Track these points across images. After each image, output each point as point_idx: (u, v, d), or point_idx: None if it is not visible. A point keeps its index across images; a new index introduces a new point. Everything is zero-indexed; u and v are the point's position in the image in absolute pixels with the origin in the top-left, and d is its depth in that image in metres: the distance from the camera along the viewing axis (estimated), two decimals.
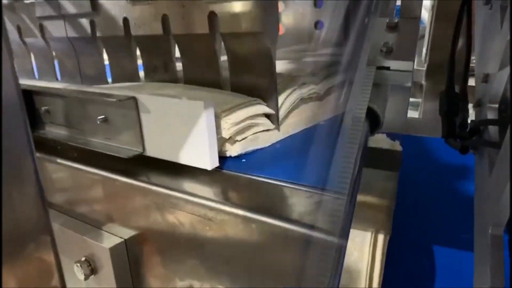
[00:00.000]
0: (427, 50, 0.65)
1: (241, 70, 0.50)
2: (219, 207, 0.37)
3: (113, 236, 0.46)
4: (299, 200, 0.36)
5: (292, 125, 0.53)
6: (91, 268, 0.47)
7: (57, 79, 0.79)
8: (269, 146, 0.49)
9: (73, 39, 0.70)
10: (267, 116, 0.50)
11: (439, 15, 0.59)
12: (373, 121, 0.41)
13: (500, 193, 0.26)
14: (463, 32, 0.46)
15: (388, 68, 0.45)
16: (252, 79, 0.49)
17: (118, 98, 0.44)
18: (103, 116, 0.47)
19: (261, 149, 0.48)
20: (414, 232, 0.75)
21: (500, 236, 0.28)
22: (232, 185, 0.41)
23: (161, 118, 0.43)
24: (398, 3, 0.52)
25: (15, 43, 0.81)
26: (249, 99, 0.47)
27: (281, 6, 1.26)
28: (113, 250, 0.45)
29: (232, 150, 0.46)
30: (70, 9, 0.67)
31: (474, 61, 0.49)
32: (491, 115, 0.40)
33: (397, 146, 0.69)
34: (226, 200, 0.38)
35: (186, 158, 0.43)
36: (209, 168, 0.42)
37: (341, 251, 0.30)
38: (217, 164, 0.42)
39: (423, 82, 0.63)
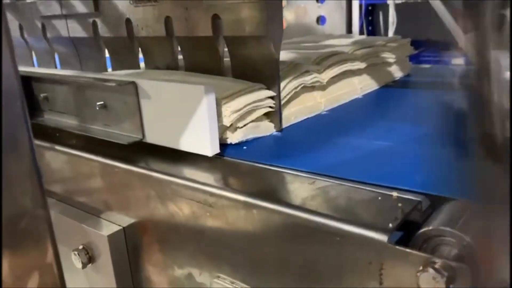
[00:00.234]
0: None
1: (244, 74, 0.49)
2: (220, 193, 0.36)
3: (112, 224, 0.45)
4: (301, 186, 0.36)
5: (294, 114, 0.52)
6: (89, 256, 0.47)
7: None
8: (270, 134, 0.49)
9: (75, 39, 0.69)
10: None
11: None
12: None
13: None
14: None
15: None
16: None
17: (118, 83, 0.43)
18: (102, 102, 0.47)
19: (263, 137, 0.48)
20: None
21: None
22: (233, 172, 0.40)
23: (161, 103, 0.42)
24: None
25: (17, 41, 0.80)
26: (250, 85, 0.46)
27: (284, 1, 1.25)
28: (111, 237, 0.44)
29: (233, 137, 0.45)
30: (73, 9, 0.66)
31: None
32: None
33: None
34: (227, 186, 0.37)
35: (187, 144, 0.42)
36: (210, 154, 0.41)
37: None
38: (218, 150, 0.41)
39: None
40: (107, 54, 0.69)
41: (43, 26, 0.74)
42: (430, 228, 0.28)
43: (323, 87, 0.57)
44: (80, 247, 0.47)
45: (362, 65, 0.64)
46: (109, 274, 0.45)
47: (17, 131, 0.23)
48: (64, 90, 0.51)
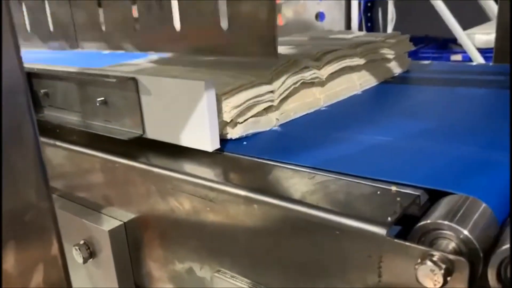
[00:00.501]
0: None
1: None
2: (221, 187, 0.36)
3: (113, 219, 0.46)
4: (301, 181, 0.36)
5: (293, 110, 0.52)
6: (90, 251, 0.47)
7: (49, 30, 0.74)
8: (270, 130, 0.49)
9: None
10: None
11: None
12: None
13: None
14: None
15: None
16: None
17: (118, 79, 0.44)
18: (102, 98, 0.47)
19: (262, 132, 0.48)
20: None
21: None
22: (233, 167, 0.41)
23: (161, 99, 0.43)
24: None
25: None
26: (250, 80, 0.47)
27: None
28: (112, 232, 0.44)
29: (233, 133, 0.45)
30: None
31: None
32: None
33: None
34: (228, 181, 0.37)
35: (187, 140, 0.43)
36: (210, 149, 0.41)
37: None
38: (218, 145, 0.42)
39: None
40: None
41: None
42: (428, 221, 0.28)
43: (322, 83, 0.57)
44: (81, 242, 0.47)
45: (361, 61, 0.64)
46: (110, 269, 0.46)
47: (22, 125, 0.23)
48: (65, 86, 0.51)
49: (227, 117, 0.44)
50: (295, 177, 0.37)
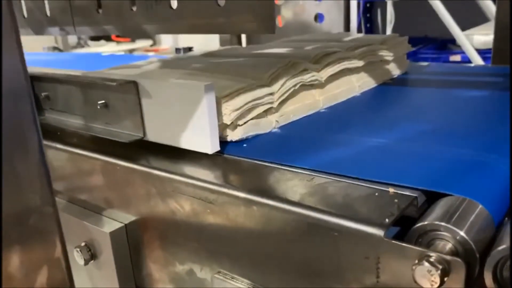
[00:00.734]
0: None
1: None
2: (220, 189, 0.37)
3: (113, 221, 0.46)
4: (300, 183, 0.36)
5: (293, 112, 0.53)
6: (91, 253, 0.47)
7: (47, 16, 0.73)
8: (270, 132, 0.49)
9: None
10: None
11: None
12: None
13: None
14: None
15: None
16: None
17: (119, 82, 0.44)
18: (103, 101, 0.47)
19: (262, 134, 0.48)
20: None
21: None
22: (233, 169, 0.41)
23: (161, 102, 0.43)
24: None
25: None
26: (250, 83, 0.47)
27: None
28: (113, 234, 0.45)
29: (233, 135, 0.46)
30: None
31: None
32: None
33: None
34: (227, 183, 0.38)
35: (187, 142, 0.43)
36: (210, 152, 0.42)
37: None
38: (218, 148, 0.42)
39: None
40: None
41: None
42: (426, 223, 0.29)
43: (321, 85, 0.58)
44: (82, 244, 0.47)
45: (360, 63, 0.64)
46: (111, 271, 0.46)
47: (26, 129, 0.23)
48: (65, 89, 0.52)
49: (227, 119, 0.44)
50: (294, 179, 0.38)
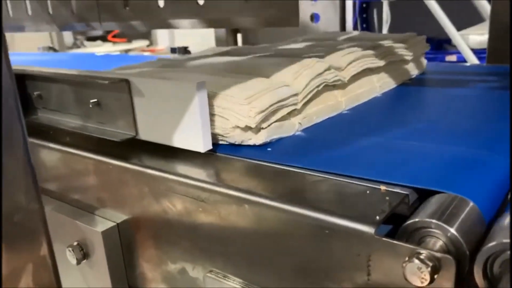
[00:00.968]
0: None
1: None
2: (212, 188, 0.37)
3: (106, 220, 0.46)
4: (292, 181, 0.36)
5: (316, 113, 0.50)
6: (84, 253, 0.47)
7: (72, 12, 0.72)
8: (293, 135, 0.47)
9: None
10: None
11: None
12: None
13: None
14: None
15: None
16: None
17: (110, 80, 0.44)
18: (95, 100, 0.47)
19: (286, 137, 0.46)
20: None
21: None
22: (225, 168, 0.41)
23: (154, 100, 0.43)
24: None
25: None
26: (272, 83, 0.45)
27: None
28: (106, 233, 0.45)
29: (257, 139, 0.43)
30: None
31: None
32: None
33: None
34: (219, 182, 0.37)
35: (179, 141, 0.43)
36: (203, 150, 0.42)
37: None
38: (210, 146, 0.42)
39: None
40: None
41: None
42: (416, 220, 0.28)
43: (343, 86, 0.55)
44: (75, 243, 0.47)
45: (381, 62, 0.62)
46: (104, 270, 0.46)
47: (12, 128, 0.23)
48: (58, 88, 0.52)
49: (251, 122, 0.42)
50: (285, 177, 0.37)
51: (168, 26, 0.59)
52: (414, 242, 0.28)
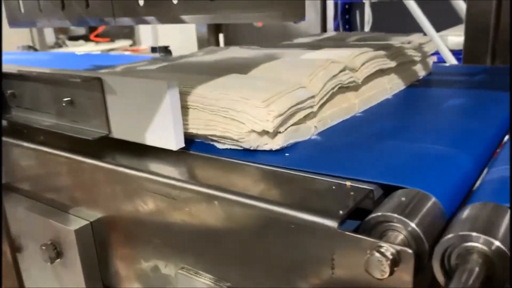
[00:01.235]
0: None
1: None
2: (182, 185, 0.37)
3: (79, 219, 0.46)
4: (262, 178, 0.37)
5: (330, 116, 0.49)
6: (57, 252, 0.47)
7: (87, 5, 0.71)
8: (309, 139, 0.45)
9: None
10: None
11: None
12: None
13: None
14: None
15: None
16: None
17: (83, 78, 0.44)
18: (68, 98, 0.47)
19: (302, 142, 0.44)
20: None
21: None
22: (197, 165, 0.41)
23: (126, 98, 0.43)
24: None
25: None
26: (288, 85, 0.43)
27: None
28: (79, 232, 0.45)
29: (274, 143, 0.41)
30: None
31: None
32: None
33: None
34: (190, 179, 0.38)
35: (152, 139, 0.43)
36: (175, 148, 0.42)
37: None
38: (182, 144, 0.42)
39: None
40: None
41: None
42: (379, 214, 0.29)
43: (356, 87, 0.54)
44: (48, 242, 0.47)
45: (392, 63, 0.61)
46: (77, 269, 0.46)
47: None
48: (31, 86, 0.51)
49: (270, 126, 0.40)
50: (255, 173, 0.38)
51: (181, 20, 0.59)
52: (376, 236, 0.29)
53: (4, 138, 0.52)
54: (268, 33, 1.43)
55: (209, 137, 0.44)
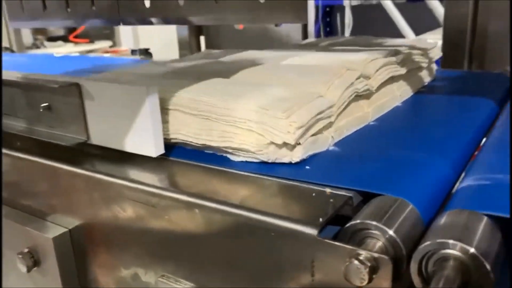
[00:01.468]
0: None
1: None
2: (162, 193, 0.37)
3: (57, 226, 0.45)
4: (241, 185, 0.37)
5: (346, 126, 0.47)
6: (34, 260, 0.46)
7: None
8: (327, 150, 0.43)
9: None
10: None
11: None
12: None
13: None
14: None
15: None
16: None
17: (60, 84, 0.43)
18: (46, 104, 0.46)
19: (320, 153, 0.42)
20: None
21: None
22: (177, 172, 0.41)
23: (105, 104, 0.42)
24: None
25: None
26: (306, 94, 0.42)
27: None
28: (57, 240, 0.44)
29: (293, 156, 0.39)
30: None
31: None
32: None
33: None
34: (170, 186, 0.37)
35: (131, 145, 0.43)
36: (154, 155, 0.41)
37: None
38: (162, 151, 0.42)
39: None
40: None
41: None
42: (358, 221, 0.29)
43: (368, 95, 0.52)
44: (25, 250, 0.46)
45: (403, 70, 0.59)
46: (55, 277, 0.45)
47: None
48: (9, 91, 0.50)
49: (291, 139, 0.38)
50: (235, 181, 0.38)
51: (187, 21, 0.58)
52: (355, 243, 0.29)
53: None
54: (249, 36, 1.43)
55: (223, 149, 0.42)
